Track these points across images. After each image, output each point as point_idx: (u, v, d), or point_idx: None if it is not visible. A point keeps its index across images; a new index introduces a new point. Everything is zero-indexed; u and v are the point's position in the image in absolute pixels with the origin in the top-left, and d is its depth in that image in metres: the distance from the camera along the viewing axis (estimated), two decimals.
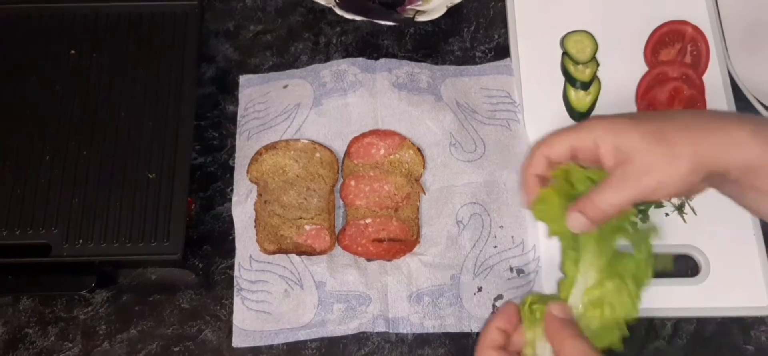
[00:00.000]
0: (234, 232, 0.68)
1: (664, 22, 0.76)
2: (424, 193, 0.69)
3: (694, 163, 0.48)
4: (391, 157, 0.70)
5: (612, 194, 0.49)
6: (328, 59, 0.76)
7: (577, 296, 0.52)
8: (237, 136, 0.72)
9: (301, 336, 0.64)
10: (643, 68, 0.75)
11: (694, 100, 0.72)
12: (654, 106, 0.72)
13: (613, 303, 0.52)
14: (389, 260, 0.66)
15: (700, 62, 0.75)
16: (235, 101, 0.74)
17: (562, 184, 0.54)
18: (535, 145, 0.54)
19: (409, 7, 0.77)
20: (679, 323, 0.66)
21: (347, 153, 0.70)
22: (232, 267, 0.67)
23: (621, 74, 0.75)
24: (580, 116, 0.73)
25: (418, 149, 0.70)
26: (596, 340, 0.51)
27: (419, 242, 0.67)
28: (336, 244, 0.67)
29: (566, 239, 0.54)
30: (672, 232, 0.69)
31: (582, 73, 0.74)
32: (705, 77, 0.74)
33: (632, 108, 0.74)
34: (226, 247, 0.68)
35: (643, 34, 0.77)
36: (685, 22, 0.76)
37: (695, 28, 0.76)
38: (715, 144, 0.48)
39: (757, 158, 0.47)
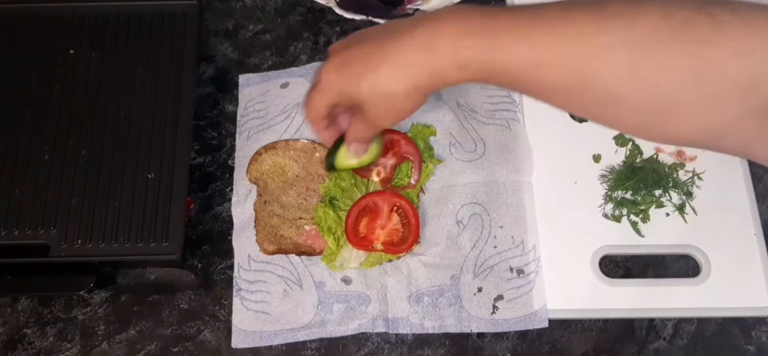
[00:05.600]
0: (233, 232, 0.68)
1: None
2: (424, 193, 0.69)
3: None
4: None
5: (363, 129, 0.57)
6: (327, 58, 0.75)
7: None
8: (236, 136, 0.72)
9: (301, 336, 0.64)
10: None
11: None
12: None
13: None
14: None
15: None
16: (235, 101, 0.74)
17: None
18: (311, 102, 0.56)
19: (408, 6, 0.77)
20: (679, 323, 0.66)
21: None
22: (231, 267, 0.67)
23: None
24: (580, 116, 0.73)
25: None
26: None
27: (419, 242, 0.67)
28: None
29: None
30: (673, 232, 0.68)
31: None
32: None
33: None
34: (226, 247, 0.68)
35: None
36: None
37: None
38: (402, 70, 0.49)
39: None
